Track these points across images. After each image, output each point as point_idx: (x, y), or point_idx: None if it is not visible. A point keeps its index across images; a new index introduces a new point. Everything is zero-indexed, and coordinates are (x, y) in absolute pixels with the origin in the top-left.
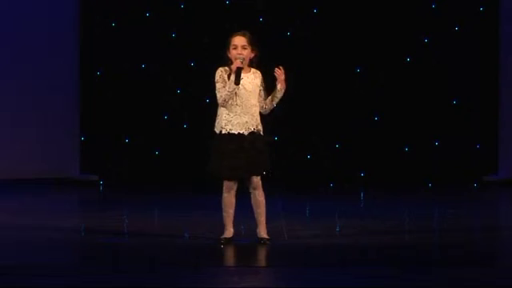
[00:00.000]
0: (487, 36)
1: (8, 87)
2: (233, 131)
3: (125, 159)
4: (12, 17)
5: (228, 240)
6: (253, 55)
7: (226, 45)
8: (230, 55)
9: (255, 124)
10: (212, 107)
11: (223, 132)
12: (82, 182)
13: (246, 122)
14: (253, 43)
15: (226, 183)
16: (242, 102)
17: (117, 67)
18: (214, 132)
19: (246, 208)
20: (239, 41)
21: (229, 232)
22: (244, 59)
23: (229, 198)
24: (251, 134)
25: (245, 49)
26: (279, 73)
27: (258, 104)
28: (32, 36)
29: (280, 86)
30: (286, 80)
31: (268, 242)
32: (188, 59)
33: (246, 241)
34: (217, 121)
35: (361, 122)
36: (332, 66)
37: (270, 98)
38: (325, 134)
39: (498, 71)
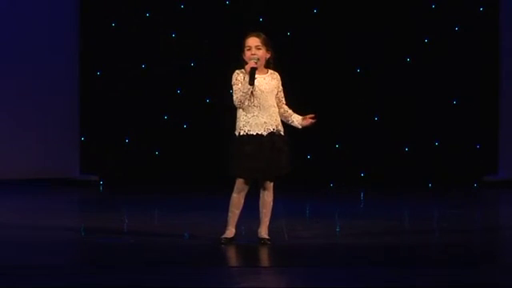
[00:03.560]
0: (487, 36)
1: (8, 87)
2: (251, 132)
3: (125, 159)
4: (12, 17)
5: (229, 240)
6: (268, 56)
7: (240, 47)
8: (244, 57)
9: (274, 124)
10: (212, 107)
11: (241, 133)
12: (82, 181)
13: (265, 122)
14: (267, 44)
15: (238, 183)
16: (260, 103)
17: (117, 67)
18: (234, 135)
19: (246, 208)
20: (253, 42)
21: (230, 232)
22: (258, 59)
23: (238, 199)
24: (270, 134)
25: (259, 49)
26: (312, 121)
27: (276, 105)
28: (32, 36)
29: (301, 126)
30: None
31: (268, 242)
32: (188, 59)
33: (245, 241)
34: (236, 123)
35: (361, 122)
36: (332, 66)
37: (288, 116)
38: (325, 134)
39: (498, 71)
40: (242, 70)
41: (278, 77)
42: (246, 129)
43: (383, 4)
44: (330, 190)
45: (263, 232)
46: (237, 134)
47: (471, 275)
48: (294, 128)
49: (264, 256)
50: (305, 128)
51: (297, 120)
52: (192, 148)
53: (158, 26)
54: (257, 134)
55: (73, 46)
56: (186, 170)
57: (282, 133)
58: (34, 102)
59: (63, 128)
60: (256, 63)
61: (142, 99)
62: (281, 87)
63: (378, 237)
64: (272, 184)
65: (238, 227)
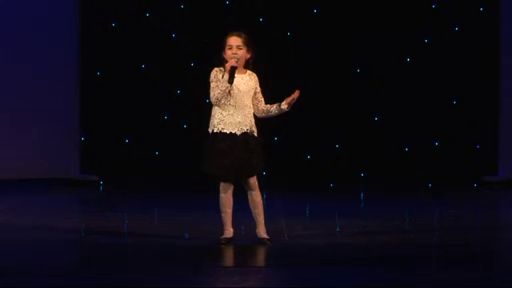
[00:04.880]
0: (487, 36)
1: (8, 87)
2: (225, 130)
3: (125, 159)
4: (12, 17)
5: (228, 240)
6: (249, 56)
7: (221, 45)
8: (225, 56)
9: (249, 125)
10: (212, 107)
11: (215, 131)
12: (82, 181)
13: (239, 122)
14: (249, 44)
15: (222, 183)
16: (236, 102)
17: (117, 67)
18: (207, 132)
19: (246, 208)
20: (234, 41)
21: (228, 232)
22: (239, 59)
23: (226, 198)
24: (244, 134)
25: (240, 49)
26: (294, 96)
27: (251, 105)
28: (32, 36)
29: (287, 108)
30: (295, 104)
31: (268, 242)
32: (188, 59)
33: (245, 241)
34: (210, 120)
35: (361, 122)
36: (332, 66)
37: (269, 107)
38: (325, 134)
39: (498, 71)
40: (221, 68)
41: (256, 78)
42: (220, 127)
43: (383, 4)
44: (330, 190)
45: (262, 232)
46: (210, 131)
47: (471, 275)
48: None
49: (264, 256)
50: (291, 105)
51: (280, 106)
52: (192, 148)
53: (157, 26)
54: (230, 132)
55: (73, 46)
56: (186, 169)
57: (256, 134)
58: (33, 101)
59: (63, 128)
60: (236, 62)
61: (142, 99)
62: (259, 88)
63: (377, 237)
64: (256, 183)
65: (238, 227)
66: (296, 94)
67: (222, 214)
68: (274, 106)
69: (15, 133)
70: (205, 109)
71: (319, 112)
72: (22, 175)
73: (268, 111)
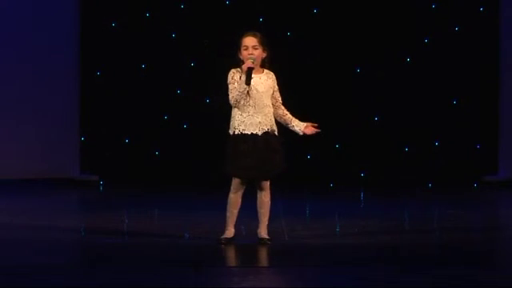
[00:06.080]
0: (487, 36)
1: (8, 87)
2: (246, 131)
3: (125, 159)
4: (12, 17)
5: (229, 240)
6: (264, 55)
7: (237, 46)
8: (241, 56)
9: (269, 124)
10: (211, 107)
11: (236, 132)
12: (82, 181)
13: (260, 122)
14: (264, 43)
15: (234, 183)
16: (255, 103)
17: (117, 67)
18: (228, 134)
19: (246, 208)
20: (250, 41)
21: (229, 232)
22: (255, 59)
23: (235, 199)
24: (265, 133)
25: (256, 49)
26: (314, 130)
27: (271, 105)
28: (32, 36)
29: (302, 133)
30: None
31: (268, 242)
32: (188, 59)
33: (246, 241)
34: (231, 122)
35: (361, 122)
36: (332, 66)
37: (287, 119)
38: (325, 134)
39: (498, 71)
40: (238, 69)
41: (274, 76)
42: (241, 128)
43: (383, 4)
44: (330, 189)
45: (263, 232)
46: (231, 133)
47: (471, 275)
48: (289, 129)
49: (264, 256)
50: (305, 135)
51: (297, 126)
52: (192, 148)
53: (158, 26)
54: (252, 133)
55: (73, 46)
56: (186, 170)
57: (276, 133)
58: (33, 101)
59: (63, 128)
60: (253, 63)
61: (142, 99)
62: (276, 87)
63: (377, 237)
64: (268, 184)
65: (237, 227)
66: (316, 129)
67: (228, 214)
68: (294, 124)
69: (15, 132)
70: (205, 109)
71: (319, 112)
72: (21, 175)
73: (284, 122)
